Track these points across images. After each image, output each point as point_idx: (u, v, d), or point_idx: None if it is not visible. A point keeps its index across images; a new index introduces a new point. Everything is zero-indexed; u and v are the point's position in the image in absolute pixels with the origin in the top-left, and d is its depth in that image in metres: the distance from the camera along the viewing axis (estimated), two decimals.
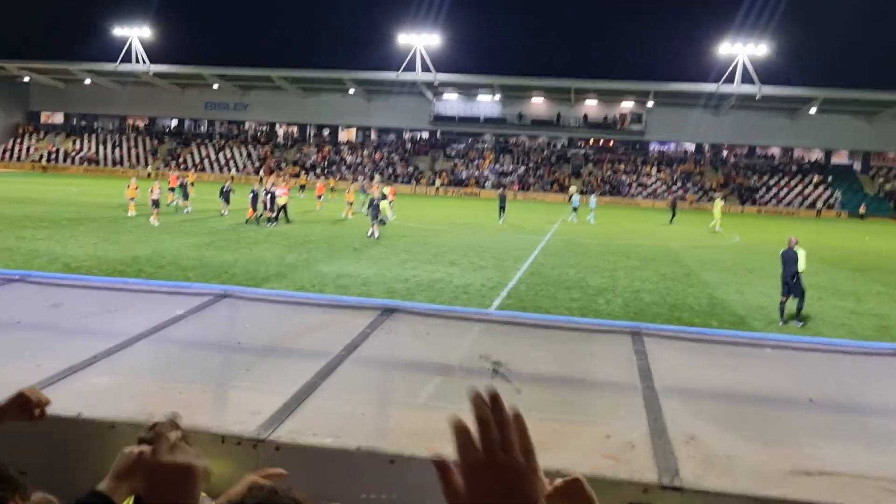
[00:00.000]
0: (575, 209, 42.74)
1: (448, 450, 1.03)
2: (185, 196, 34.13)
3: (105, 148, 79.28)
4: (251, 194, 30.33)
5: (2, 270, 4.83)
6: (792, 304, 15.35)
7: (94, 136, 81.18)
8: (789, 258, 15.28)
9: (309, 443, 2.58)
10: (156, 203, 28.62)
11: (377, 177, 65.22)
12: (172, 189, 36.30)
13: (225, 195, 33.25)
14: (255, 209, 29.82)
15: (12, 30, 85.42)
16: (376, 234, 26.76)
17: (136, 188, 31.38)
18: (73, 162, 76.70)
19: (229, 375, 3.41)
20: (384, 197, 33.61)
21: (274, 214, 29.92)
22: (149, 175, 68.62)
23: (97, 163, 76.74)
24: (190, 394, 2.92)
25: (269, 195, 29.81)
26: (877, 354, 3.80)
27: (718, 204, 40.89)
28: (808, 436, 3.00)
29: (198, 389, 3.06)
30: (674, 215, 44.05)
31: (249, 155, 77.78)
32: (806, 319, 15.32)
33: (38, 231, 23.44)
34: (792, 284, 15.11)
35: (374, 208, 27.25)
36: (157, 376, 3.24)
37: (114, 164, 76.62)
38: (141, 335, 3.62)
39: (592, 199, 44.51)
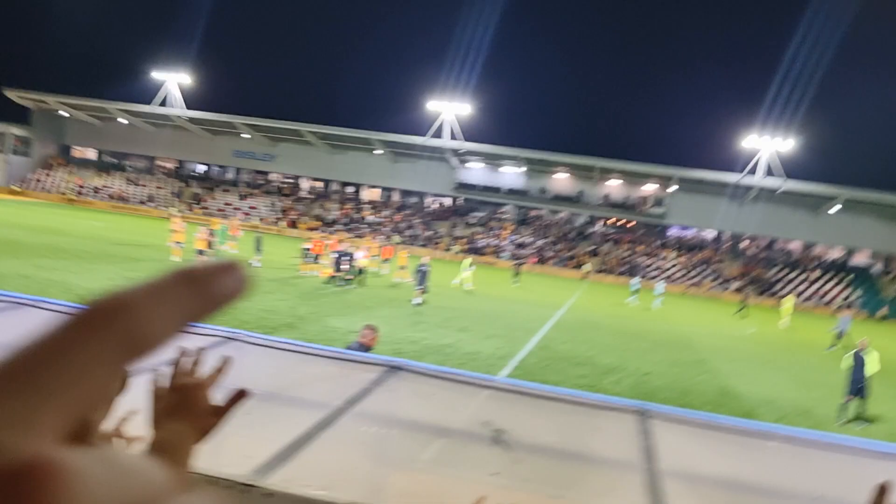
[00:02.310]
0: (635, 291, 42.84)
1: None
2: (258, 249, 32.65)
3: (133, 186, 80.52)
4: (336, 255, 29.49)
5: (15, 294, 4.85)
6: (854, 406, 15.56)
7: (122, 174, 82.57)
8: (858, 361, 15.43)
9: (300, 493, 2.52)
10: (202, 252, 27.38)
11: (396, 237, 65.78)
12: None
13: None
14: (338, 270, 29.04)
15: (56, 65, 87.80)
16: (418, 301, 25.93)
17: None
18: (100, 197, 77.89)
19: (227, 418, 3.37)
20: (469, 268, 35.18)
21: (353, 276, 29.36)
22: (169, 216, 69.25)
23: (124, 200, 77.83)
24: None
25: (349, 256, 29.28)
26: (892, 457, 3.70)
27: (791, 299, 40.43)
28: None
29: None
30: (742, 307, 43.68)
31: (273, 205, 78.65)
32: (867, 421, 15.31)
33: (56, 261, 23.62)
34: (858, 388, 15.26)
35: (422, 274, 26.50)
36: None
37: (140, 202, 77.71)
38: (133, 372, 3.59)
39: (659, 284, 44.36)
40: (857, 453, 3.67)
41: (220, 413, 1.25)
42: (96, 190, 78.99)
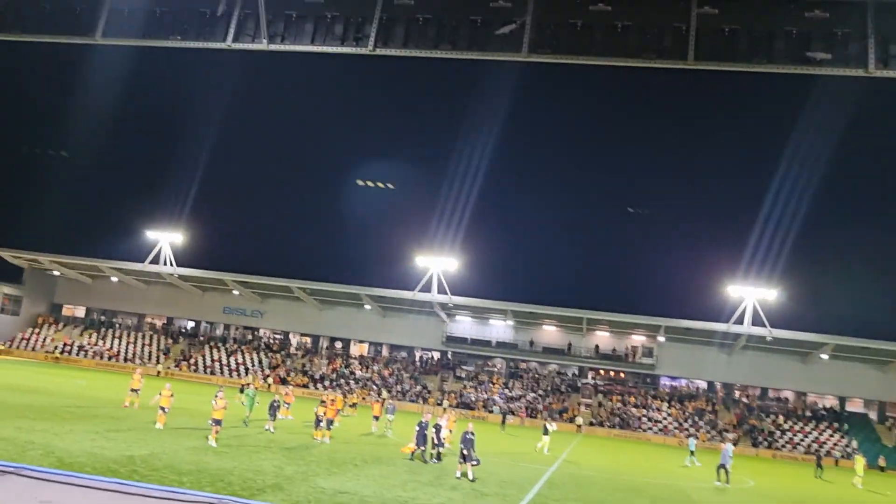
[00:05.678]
0: (692, 452, 41.63)
1: None
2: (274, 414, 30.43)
3: (120, 343, 79.89)
4: (418, 427, 26.46)
5: None
6: None
7: (111, 332, 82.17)
8: None
9: None
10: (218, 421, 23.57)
11: (385, 392, 64.99)
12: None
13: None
14: (419, 444, 26.05)
15: (50, 224, 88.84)
16: (470, 475, 22.52)
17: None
18: (86, 355, 77.04)
19: None
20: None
21: (442, 449, 26.50)
22: (158, 374, 68.53)
23: (111, 358, 77.04)
24: None
25: (436, 428, 26.61)
26: None
27: (861, 461, 39.52)
28: None
29: None
30: (820, 468, 42.95)
31: (261, 362, 77.94)
32: None
33: (37, 422, 23.12)
34: None
35: (468, 443, 23.04)
36: None
37: (125, 360, 76.87)
38: None
39: (728, 447, 43.05)
40: None
41: None
42: (81, 348, 78.24)
